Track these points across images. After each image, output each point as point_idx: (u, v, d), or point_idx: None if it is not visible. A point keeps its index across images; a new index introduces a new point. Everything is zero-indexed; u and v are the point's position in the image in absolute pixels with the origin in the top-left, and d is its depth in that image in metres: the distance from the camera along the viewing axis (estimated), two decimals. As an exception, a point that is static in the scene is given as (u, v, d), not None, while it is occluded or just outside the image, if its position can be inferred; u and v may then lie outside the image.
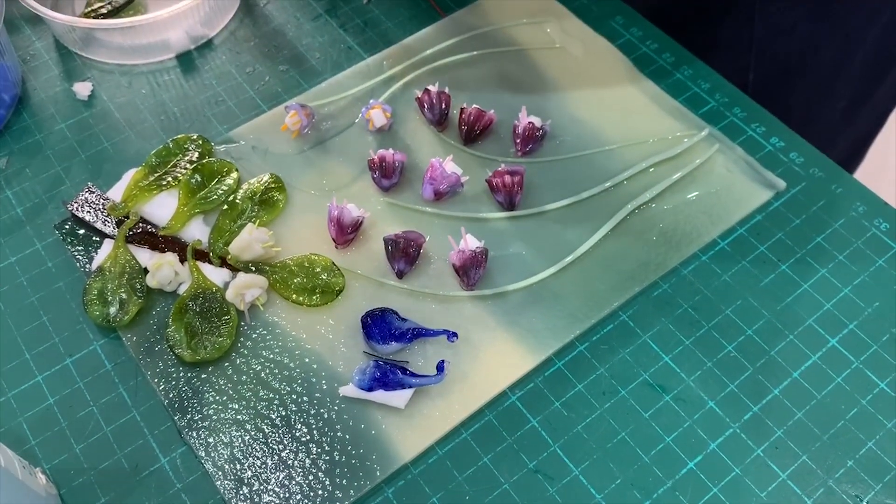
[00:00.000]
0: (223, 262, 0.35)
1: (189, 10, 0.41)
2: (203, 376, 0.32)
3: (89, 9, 0.43)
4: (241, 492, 0.29)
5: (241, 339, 0.33)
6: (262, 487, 0.29)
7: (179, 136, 0.38)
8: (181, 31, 0.42)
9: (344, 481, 0.29)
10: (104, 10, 0.43)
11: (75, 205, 0.36)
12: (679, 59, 0.42)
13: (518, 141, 0.38)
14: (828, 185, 0.37)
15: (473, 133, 0.38)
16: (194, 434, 0.30)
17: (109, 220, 0.36)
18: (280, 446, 0.30)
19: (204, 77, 0.42)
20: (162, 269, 0.34)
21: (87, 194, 0.36)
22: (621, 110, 0.40)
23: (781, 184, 0.37)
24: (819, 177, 0.37)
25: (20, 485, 0.26)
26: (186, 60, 0.42)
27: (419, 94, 0.39)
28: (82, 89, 0.41)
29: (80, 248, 0.35)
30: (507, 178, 0.36)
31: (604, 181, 0.37)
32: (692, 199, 0.36)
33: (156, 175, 0.37)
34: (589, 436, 0.31)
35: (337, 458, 0.30)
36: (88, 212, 0.36)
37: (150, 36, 0.42)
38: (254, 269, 0.34)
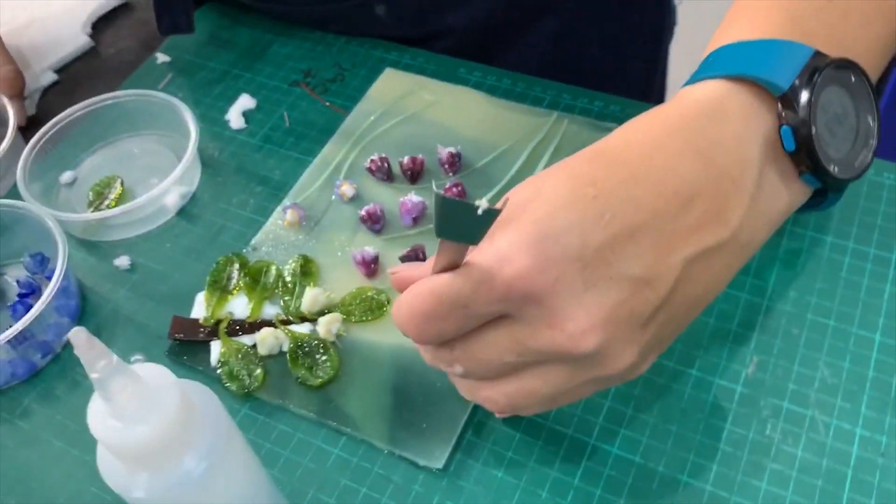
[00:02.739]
0: (303, 320, 0.48)
1: (178, 177, 0.54)
2: (330, 391, 0.45)
3: (93, 207, 0.56)
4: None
5: (342, 356, 0.47)
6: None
7: (220, 259, 0.51)
8: (175, 195, 0.55)
9: (458, 404, 0.44)
10: (108, 203, 0.56)
11: (175, 334, 0.48)
12: (513, 78, 0.60)
13: (446, 166, 0.54)
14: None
15: (415, 174, 0.54)
16: (337, 417, 0.44)
17: (204, 330, 0.48)
18: (406, 405, 0.44)
19: (205, 217, 0.55)
20: (267, 339, 0.47)
21: (179, 323, 0.49)
22: (493, 125, 0.57)
23: (613, 126, 0.56)
24: (633, 114, 0.57)
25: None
26: (185, 214, 0.56)
27: (367, 164, 0.55)
28: (122, 262, 0.53)
29: (194, 357, 0.48)
30: (454, 190, 0.52)
31: (505, 174, 0.54)
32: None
33: (219, 289, 0.50)
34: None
35: (447, 392, 0.44)
36: (188, 334, 0.48)
37: (150, 208, 0.55)
38: (325, 312, 0.48)
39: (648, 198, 0.31)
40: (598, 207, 0.30)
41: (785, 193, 0.35)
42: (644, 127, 0.34)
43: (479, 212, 0.27)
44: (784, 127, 0.33)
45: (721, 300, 0.47)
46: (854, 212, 0.50)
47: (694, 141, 0.33)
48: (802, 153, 0.34)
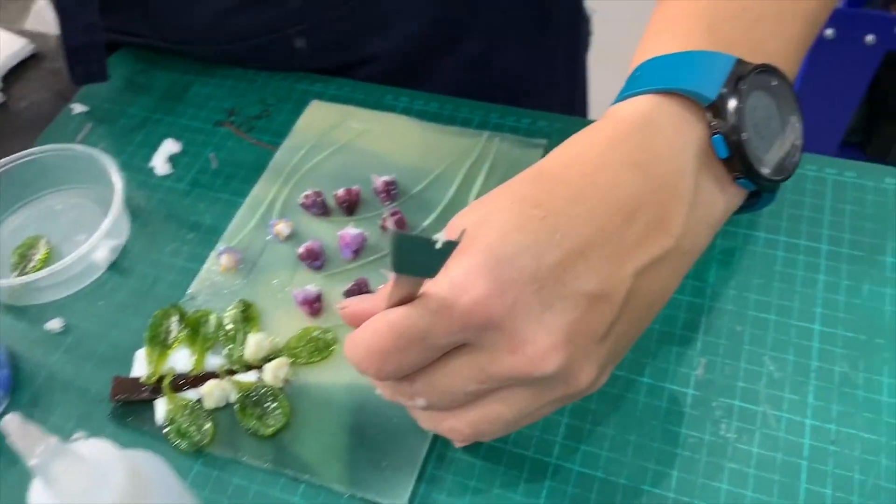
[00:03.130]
0: (248, 368, 0.47)
1: (106, 231, 0.52)
2: (282, 439, 0.44)
3: (18, 271, 0.53)
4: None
5: (293, 401, 0.45)
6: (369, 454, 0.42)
7: (157, 312, 0.50)
8: (104, 250, 0.53)
9: (418, 437, 0.43)
10: (33, 265, 0.53)
11: (117, 396, 0.46)
12: (440, 101, 0.60)
13: (382, 195, 0.54)
14: (572, 131, 0.57)
15: (351, 206, 0.54)
16: (293, 465, 0.43)
17: (146, 389, 0.47)
18: (364, 445, 0.43)
19: (137, 270, 0.53)
20: (213, 392, 0.45)
21: (120, 384, 0.47)
22: (425, 149, 0.57)
23: (543, 141, 0.56)
24: (560, 129, 0.57)
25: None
26: (116, 268, 0.54)
27: (301, 200, 0.54)
28: (54, 325, 0.51)
29: (139, 418, 0.46)
30: (393, 218, 0.52)
31: (442, 198, 0.54)
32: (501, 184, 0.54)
33: (159, 343, 0.48)
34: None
35: (405, 427, 0.44)
36: (130, 394, 0.46)
37: (80, 266, 0.53)
38: (271, 358, 0.47)
39: (594, 214, 0.32)
40: (548, 227, 0.31)
41: (721, 198, 0.36)
42: (581, 146, 0.35)
43: (438, 245, 0.27)
44: (715, 136, 0.34)
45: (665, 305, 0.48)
46: (782, 206, 0.52)
47: (631, 155, 0.33)
48: (735, 159, 0.35)
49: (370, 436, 0.44)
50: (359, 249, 0.51)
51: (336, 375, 0.46)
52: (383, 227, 0.52)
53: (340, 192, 0.54)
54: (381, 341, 0.31)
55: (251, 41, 0.62)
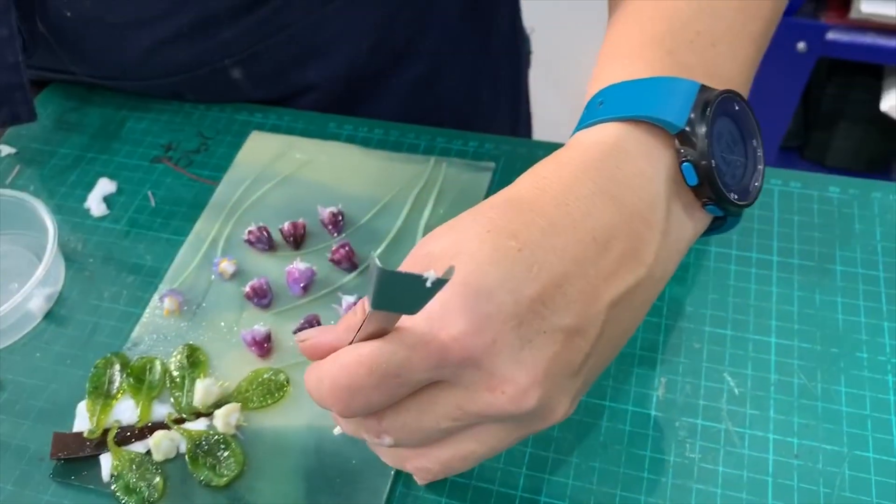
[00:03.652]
0: (198, 415, 0.45)
1: (40, 278, 0.50)
2: (238, 488, 0.42)
3: (-55, 325, 0.50)
4: (321, 527, 0.40)
5: (246, 448, 0.44)
6: (332, 515, 0.41)
7: (98, 361, 0.47)
8: (39, 298, 0.51)
9: (378, 478, 0.42)
10: (-38, 319, 0.50)
11: (58, 453, 0.44)
12: (385, 127, 0.59)
13: (330, 227, 0.53)
14: (520, 153, 0.57)
15: (298, 240, 0.52)
16: (264, 519, 0.41)
17: (90, 444, 0.44)
18: (324, 490, 0.42)
19: (76, 318, 0.51)
20: (161, 443, 0.43)
21: (61, 440, 0.44)
22: (371, 177, 0.56)
23: (491, 164, 0.56)
24: (508, 151, 0.57)
25: None
26: (52, 317, 0.51)
27: (245, 236, 0.52)
28: (-13, 382, 0.48)
29: (84, 475, 0.44)
30: (342, 251, 0.50)
31: (391, 227, 0.53)
32: (451, 210, 0.53)
33: (101, 395, 0.46)
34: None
35: (364, 468, 0.42)
36: (72, 451, 0.44)
37: (13, 317, 0.50)
38: (221, 404, 0.45)
39: (569, 246, 0.31)
40: (525, 260, 0.30)
41: (690, 224, 0.36)
42: (551, 173, 0.34)
43: (429, 283, 0.26)
44: (685, 163, 0.34)
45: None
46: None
47: (603, 184, 0.33)
48: (704, 185, 0.34)
49: (329, 480, 0.42)
50: (308, 284, 0.50)
51: (290, 418, 0.45)
52: (332, 261, 0.51)
53: (286, 225, 0.52)
54: (349, 378, 0.30)
55: (186, 74, 0.60)
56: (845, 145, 1.55)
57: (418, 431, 0.32)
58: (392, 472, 0.42)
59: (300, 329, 0.47)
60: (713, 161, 0.34)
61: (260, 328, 0.47)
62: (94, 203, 0.57)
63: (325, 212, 0.53)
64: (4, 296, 0.52)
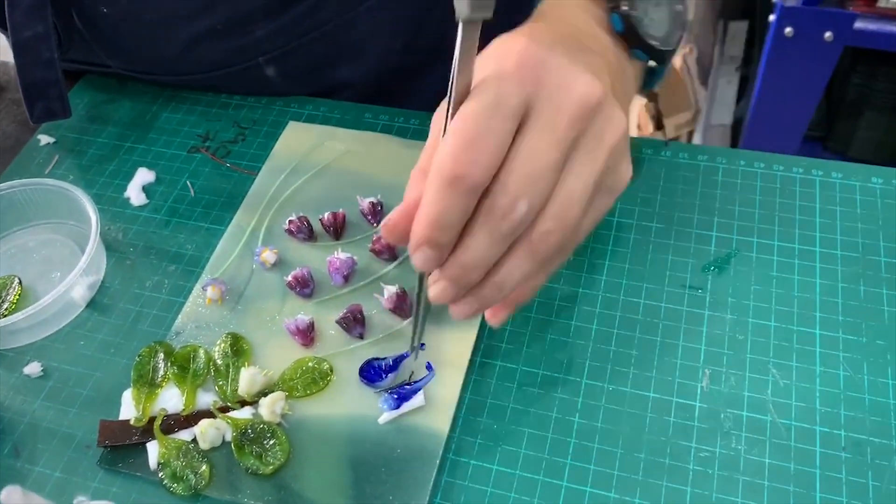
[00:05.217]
0: (243, 404, 0.45)
1: (83, 267, 0.50)
2: (284, 476, 0.43)
3: (-10, 314, 0.51)
4: (368, 515, 0.41)
5: (291, 437, 0.44)
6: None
7: (142, 350, 0.48)
8: (82, 287, 0.51)
9: (424, 467, 0.42)
10: (7, 307, 0.51)
11: (105, 441, 0.44)
12: (420, 118, 0.59)
13: (369, 217, 0.53)
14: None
15: (338, 230, 0.52)
16: (311, 507, 0.41)
17: (136, 432, 0.45)
18: (369, 479, 0.42)
19: (118, 306, 0.51)
20: (207, 431, 0.44)
21: (107, 428, 0.45)
22: (409, 167, 0.56)
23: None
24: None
25: None
26: (95, 305, 0.52)
27: (286, 226, 0.52)
28: (33, 370, 0.49)
29: (131, 463, 0.44)
30: (383, 241, 0.50)
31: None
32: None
33: (146, 383, 0.46)
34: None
35: (409, 458, 0.42)
36: (119, 439, 0.44)
37: (57, 306, 0.50)
38: (266, 393, 0.45)
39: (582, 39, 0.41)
40: (558, 37, 0.38)
41: (627, 63, 0.44)
42: (554, 16, 0.43)
43: None
44: (613, 13, 0.43)
45: (663, 316, 0.47)
46: (773, 209, 0.51)
47: (574, 27, 0.42)
48: (630, 33, 0.43)
49: (374, 469, 0.42)
50: (349, 274, 0.50)
51: (334, 407, 0.45)
52: (373, 251, 0.51)
53: (326, 216, 0.52)
54: (464, 130, 0.32)
55: (221, 70, 0.61)
56: (870, 136, 1.53)
57: (534, 177, 0.33)
58: (437, 462, 0.42)
59: (342, 319, 0.47)
60: (635, 10, 0.42)
61: (303, 317, 0.47)
62: (134, 192, 0.57)
63: (365, 202, 0.53)
64: (47, 285, 0.52)
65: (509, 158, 0.33)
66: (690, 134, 1.61)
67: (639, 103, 1.54)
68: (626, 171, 0.37)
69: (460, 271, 0.35)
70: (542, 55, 0.33)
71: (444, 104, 0.35)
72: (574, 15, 0.43)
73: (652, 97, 1.53)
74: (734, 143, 1.58)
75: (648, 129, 1.55)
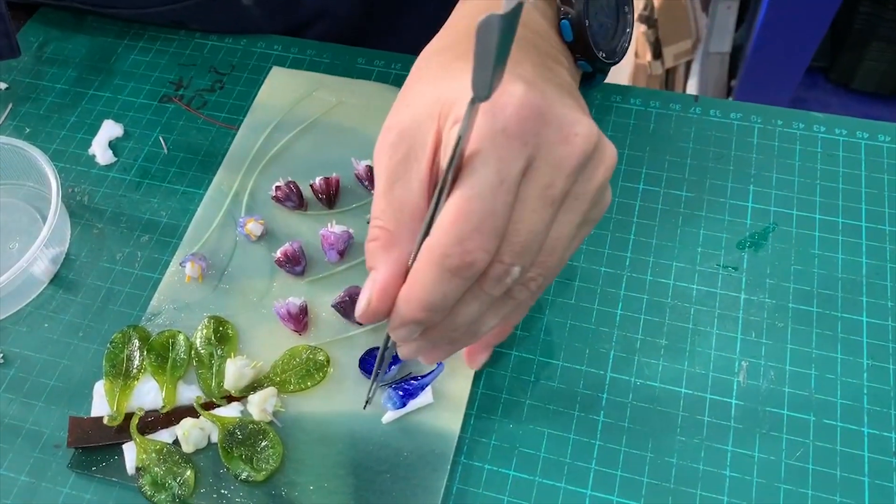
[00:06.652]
0: (230, 399, 0.41)
1: (45, 238, 0.44)
2: (277, 483, 0.38)
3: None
4: (373, 529, 0.37)
5: (284, 438, 0.39)
6: (384, 516, 0.37)
7: (114, 336, 0.43)
8: (44, 260, 0.45)
9: (434, 473, 0.38)
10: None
11: (76, 441, 0.40)
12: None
13: (366, 183, 0.47)
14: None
15: (331, 197, 0.47)
16: (309, 520, 0.37)
17: (111, 431, 0.40)
18: (372, 487, 0.38)
19: (86, 283, 0.46)
20: (191, 433, 0.39)
21: (78, 426, 0.40)
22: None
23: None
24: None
25: None
26: (60, 281, 0.46)
27: (272, 193, 0.47)
28: (-8, 356, 0.43)
29: (105, 467, 0.39)
30: (382, 212, 0.45)
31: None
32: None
33: (120, 375, 0.42)
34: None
35: (417, 462, 0.38)
36: (92, 439, 0.40)
37: (16, 282, 0.45)
38: (255, 387, 0.41)
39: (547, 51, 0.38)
40: (539, 68, 0.34)
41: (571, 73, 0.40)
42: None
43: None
44: (563, 21, 0.40)
45: (695, 300, 0.43)
46: (814, 176, 0.46)
47: (536, 34, 0.39)
48: (579, 43, 0.40)
49: (378, 474, 0.38)
50: (344, 249, 0.45)
51: (332, 403, 0.40)
52: (372, 223, 0.46)
53: (318, 181, 0.47)
54: (469, 213, 0.28)
55: (190, 0, 0.53)
56: (875, 67, 1.47)
57: (533, 237, 0.30)
58: (448, 468, 0.38)
59: (339, 303, 0.42)
60: (587, 21, 0.40)
61: (295, 300, 0.42)
62: (99, 149, 0.51)
63: (361, 165, 0.47)
64: (4, 257, 0.46)
65: (512, 221, 0.30)
66: (689, 64, 1.54)
67: (637, 30, 1.46)
68: (608, 198, 0.33)
69: (443, 334, 0.32)
70: (541, 105, 0.29)
71: (385, 138, 0.31)
72: (533, 20, 0.39)
73: (651, 23, 1.45)
74: (732, 73, 1.52)
75: (647, 56, 1.48)
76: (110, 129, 0.52)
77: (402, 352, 0.34)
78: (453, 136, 0.28)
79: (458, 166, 0.28)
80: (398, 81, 0.52)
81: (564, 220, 0.31)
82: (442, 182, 0.28)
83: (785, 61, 1.42)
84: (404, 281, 0.30)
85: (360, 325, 0.42)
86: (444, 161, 0.29)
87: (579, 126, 0.30)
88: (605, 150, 0.32)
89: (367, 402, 0.40)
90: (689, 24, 1.47)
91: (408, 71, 0.53)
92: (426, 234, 0.29)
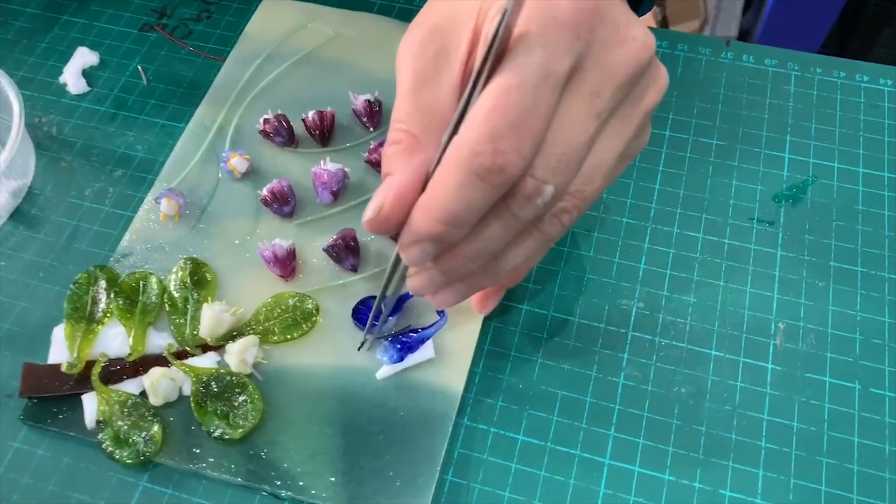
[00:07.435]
0: (205, 348, 0.36)
1: (3, 168, 0.40)
2: (256, 442, 0.34)
3: None
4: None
5: (266, 393, 0.35)
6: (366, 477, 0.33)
7: (78, 276, 0.38)
8: (3, 193, 0.41)
9: (433, 436, 0.34)
10: None
11: (30, 390, 0.35)
12: (429, -2, 0.48)
13: (365, 119, 0.43)
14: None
15: (325, 134, 0.42)
16: (270, 477, 0.33)
17: (69, 381, 0.35)
18: (364, 449, 0.33)
19: (50, 220, 0.41)
20: (160, 383, 0.35)
21: (33, 374, 0.36)
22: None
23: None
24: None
25: None
26: (21, 216, 0.42)
27: (260, 126, 0.42)
28: (-60, 295, 0.39)
29: (61, 419, 0.35)
30: (381, 150, 0.40)
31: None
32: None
33: (83, 319, 0.37)
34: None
35: (415, 423, 0.34)
36: (48, 388, 0.35)
37: (-30, 214, 0.40)
38: (235, 336, 0.36)
39: None
40: None
41: None
42: None
43: None
44: None
45: (727, 256, 0.38)
46: (857, 120, 0.42)
47: None
48: None
49: (371, 436, 0.34)
50: (338, 190, 0.40)
51: (321, 356, 0.36)
52: (369, 162, 0.41)
53: (311, 115, 0.42)
54: (507, 108, 0.24)
55: None
56: (886, 55, 1.44)
57: (572, 151, 0.26)
58: (449, 430, 0.34)
59: (332, 247, 0.38)
60: None
61: (281, 243, 0.38)
62: (72, 77, 0.46)
63: (359, 100, 0.43)
64: (-40, 189, 0.42)
65: (554, 124, 0.26)
66: (696, 45, 1.50)
67: (644, 8, 1.42)
68: (647, 135, 0.30)
69: (460, 262, 0.28)
70: (596, 2, 0.26)
71: (413, 35, 0.28)
72: None
73: (660, 1, 1.41)
74: (741, 57, 1.48)
75: (652, 37, 1.44)
76: (84, 57, 0.47)
77: (412, 284, 0.29)
78: (494, 23, 0.24)
79: (498, 56, 0.24)
80: (402, 15, 0.48)
81: (607, 145, 0.28)
82: (476, 74, 0.24)
83: (794, 47, 1.39)
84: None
85: (354, 272, 0.38)
86: (480, 53, 0.25)
87: (637, 30, 0.27)
88: (658, 70, 0.29)
89: (362, 343, 0.36)
90: (698, 3, 1.43)
91: (412, 4, 0.48)
92: (451, 136, 0.25)
